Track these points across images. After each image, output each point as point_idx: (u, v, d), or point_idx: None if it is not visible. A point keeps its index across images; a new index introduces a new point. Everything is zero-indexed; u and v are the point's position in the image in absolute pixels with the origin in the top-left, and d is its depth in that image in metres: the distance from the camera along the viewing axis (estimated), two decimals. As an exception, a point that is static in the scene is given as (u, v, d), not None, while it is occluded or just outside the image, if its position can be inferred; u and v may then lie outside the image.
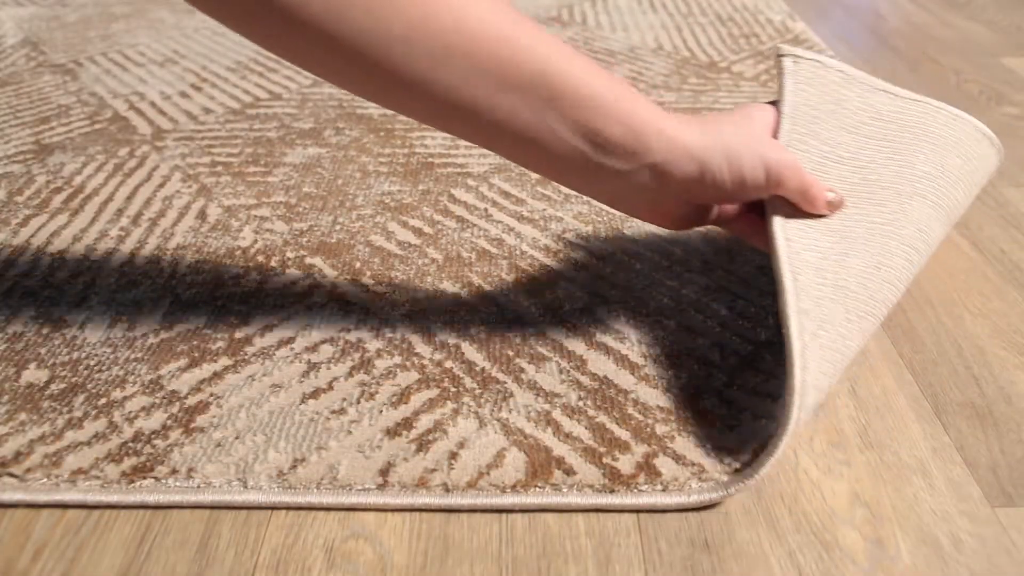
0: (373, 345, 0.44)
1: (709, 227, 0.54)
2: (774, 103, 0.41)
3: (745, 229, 0.43)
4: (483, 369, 0.43)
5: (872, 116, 0.43)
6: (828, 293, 0.36)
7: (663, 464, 0.37)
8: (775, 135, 0.40)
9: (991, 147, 0.46)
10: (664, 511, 0.35)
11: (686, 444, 0.38)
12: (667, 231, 0.54)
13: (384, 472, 0.37)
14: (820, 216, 0.39)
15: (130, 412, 0.40)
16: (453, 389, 0.41)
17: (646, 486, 0.36)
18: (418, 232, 0.54)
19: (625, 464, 0.37)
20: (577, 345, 0.44)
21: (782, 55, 0.42)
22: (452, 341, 0.45)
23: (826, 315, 0.36)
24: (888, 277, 0.38)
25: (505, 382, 0.42)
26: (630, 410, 0.40)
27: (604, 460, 0.37)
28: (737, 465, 0.37)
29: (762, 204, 0.40)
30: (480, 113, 0.35)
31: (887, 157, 0.41)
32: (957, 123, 0.44)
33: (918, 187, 0.40)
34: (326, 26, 0.32)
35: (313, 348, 0.44)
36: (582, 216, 0.56)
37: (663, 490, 0.36)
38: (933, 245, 0.41)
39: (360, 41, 0.32)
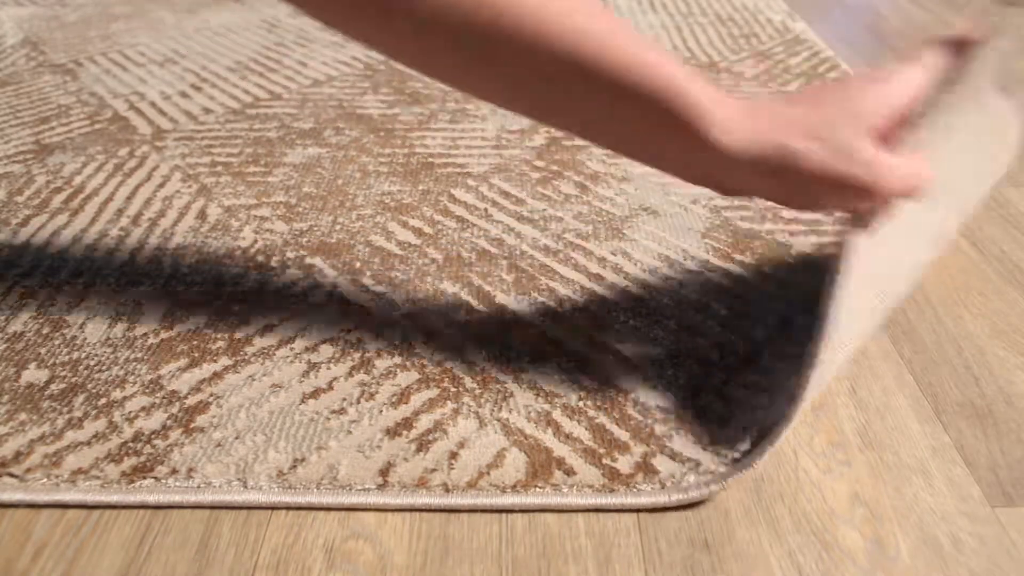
0: (373, 345, 0.44)
1: (707, 230, 0.54)
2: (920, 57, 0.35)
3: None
4: (483, 369, 0.43)
5: (963, 124, 0.38)
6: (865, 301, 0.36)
7: (660, 463, 0.37)
8: (918, 121, 0.35)
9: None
10: (664, 509, 0.35)
11: (684, 442, 0.38)
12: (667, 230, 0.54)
13: (384, 472, 0.37)
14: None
15: (130, 412, 0.40)
16: (453, 389, 0.41)
17: (644, 485, 0.36)
18: (418, 232, 0.54)
19: (624, 464, 0.37)
20: (577, 345, 0.44)
21: (990, 35, 0.35)
22: (452, 341, 0.45)
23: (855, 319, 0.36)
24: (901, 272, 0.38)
25: (505, 382, 0.42)
26: (630, 410, 0.40)
27: (604, 461, 0.37)
28: (736, 455, 0.37)
29: None
30: (593, 119, 0.35)
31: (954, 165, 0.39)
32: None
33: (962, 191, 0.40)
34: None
35: (313, 348, 0.44)
36: (582, 216, 0.56)
37: (660, 487, 0.36)
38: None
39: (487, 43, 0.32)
